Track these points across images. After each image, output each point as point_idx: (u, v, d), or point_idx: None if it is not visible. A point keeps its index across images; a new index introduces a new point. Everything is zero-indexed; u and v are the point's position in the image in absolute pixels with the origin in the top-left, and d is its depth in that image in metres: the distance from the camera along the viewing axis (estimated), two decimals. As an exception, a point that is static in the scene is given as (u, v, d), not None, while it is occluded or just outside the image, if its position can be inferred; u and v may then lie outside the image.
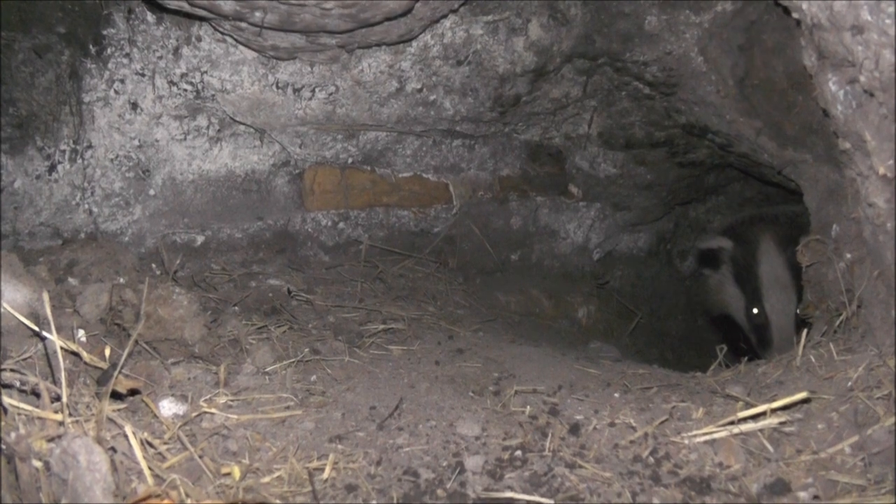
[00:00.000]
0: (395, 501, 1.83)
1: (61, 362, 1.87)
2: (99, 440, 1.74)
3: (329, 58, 3.24)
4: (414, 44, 3.35)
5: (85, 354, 2.06)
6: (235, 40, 3.14)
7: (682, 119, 3.92)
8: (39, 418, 1.76)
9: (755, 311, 4.46)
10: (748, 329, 4.58)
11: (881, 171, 2.08)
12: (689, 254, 5.58)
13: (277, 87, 3.33)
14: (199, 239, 3.48)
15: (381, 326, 3.11)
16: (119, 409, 2.02)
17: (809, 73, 2.45)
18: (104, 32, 3.13)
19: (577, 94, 3.88)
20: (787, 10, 2.53)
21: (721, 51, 3.42)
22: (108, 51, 3.15)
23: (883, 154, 2.08)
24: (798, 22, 2.42)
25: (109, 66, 3.17)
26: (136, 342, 2.41)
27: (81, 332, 2.32)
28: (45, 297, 1.97)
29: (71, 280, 2.65)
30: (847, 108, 2.25)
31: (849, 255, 2.63)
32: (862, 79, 2.07)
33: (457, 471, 1.95)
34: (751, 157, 3.86)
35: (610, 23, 3.51)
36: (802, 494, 1.80)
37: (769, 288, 4.38)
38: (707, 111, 3.70)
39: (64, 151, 3.14)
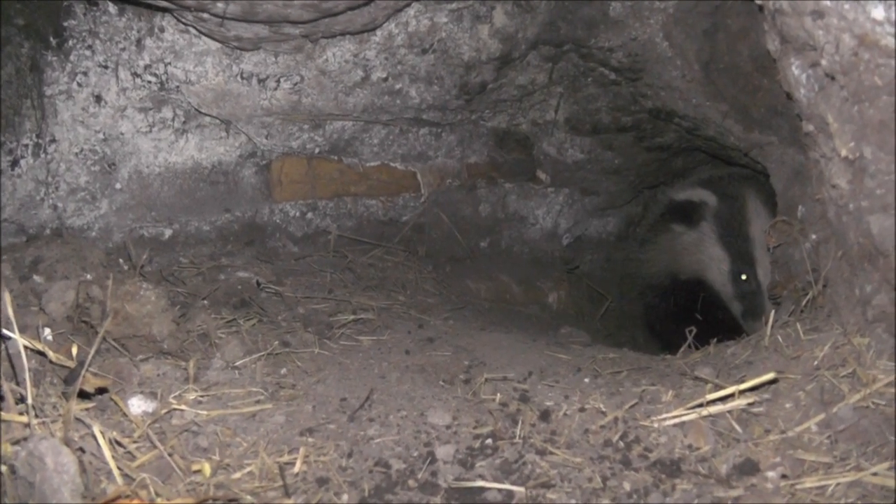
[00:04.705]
0: (366, 493, 1.83)
1: (25, 362, 1.84)
2: (66, 441, 1.72)
3: (293, 48, 3.22)
4: (378, 33, 3.33)
5: (51, 353, 2.04)
6: (199, 31, 3.11)
7: (649, 104, 3.93)
8: (4, 421, 1.75)
9: (744, 276, 4.18)
10: (731, 296, 4.29)
11: (843, 152, 2.11)
12: (648, 206, 5.11)
13: (242, 78, 3.30)
14: (167, 232, 3.45)
15: (351, 317, 3.10)
16: (87, 409, 2.01)
17: (773, 57, 2.46)
18: (65, 24, 3.08)
19: (543, 81, 3.88)
20: (749, -5, 2.55)
21: (686, 36, 3.44)
22: (70, 43, 3.10)
23: (845, 136, 2.10)
24: (761, 7, 2.44)
25: (71, 58, 3.12)
26: (104, 339, 2.39)
27: (48, 331, 2.30)
28: (7, 296, 1.94)
29: (36, 277, 2.62)
30: (810, 91, 2.28)
31: (814, 236, 2.66)
32: (823, 62, 2.10)
33: (428, 461, 1.95)
34: (718, 140, 3.89)
35: (574, 9, 3.51)
36: (771, 474, 1.82)
37: (763, 252, 3.97)
38: (673, 95, 3.72)
39: (27, 146, 3.09)
